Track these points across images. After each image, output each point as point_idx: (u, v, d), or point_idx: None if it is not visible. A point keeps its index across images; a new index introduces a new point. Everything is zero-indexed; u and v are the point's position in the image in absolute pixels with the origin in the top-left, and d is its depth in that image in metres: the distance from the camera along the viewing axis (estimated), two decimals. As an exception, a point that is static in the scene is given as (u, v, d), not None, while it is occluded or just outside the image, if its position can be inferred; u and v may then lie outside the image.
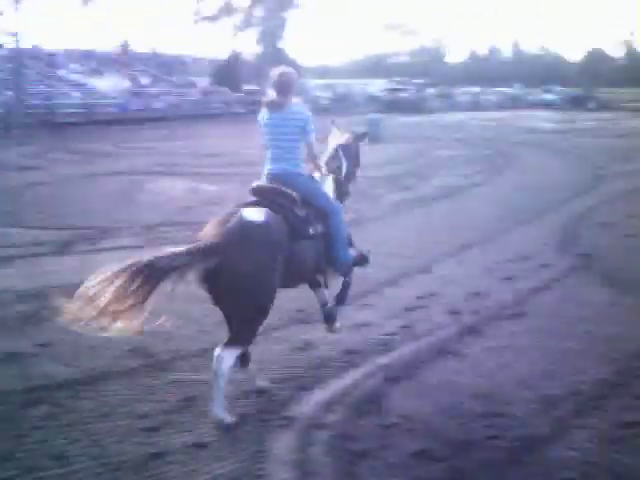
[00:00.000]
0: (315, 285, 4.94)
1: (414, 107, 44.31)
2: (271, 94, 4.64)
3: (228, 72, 49.69)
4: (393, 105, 44.55)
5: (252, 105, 40.56)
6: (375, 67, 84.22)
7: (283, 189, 4.45)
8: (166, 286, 3.64)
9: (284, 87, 4.59)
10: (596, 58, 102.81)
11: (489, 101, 53.87)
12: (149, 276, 3.61)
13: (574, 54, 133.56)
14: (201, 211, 10.07)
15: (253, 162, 16.85)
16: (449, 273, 7.31)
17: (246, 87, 47.02)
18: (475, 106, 48.46)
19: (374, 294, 6.56)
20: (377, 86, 55.41)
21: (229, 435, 3.85)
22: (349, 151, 5.30)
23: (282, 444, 3.79)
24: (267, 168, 4.66)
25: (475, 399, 4.32)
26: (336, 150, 5.17)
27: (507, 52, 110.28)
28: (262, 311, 4.08)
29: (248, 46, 56.93)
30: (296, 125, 4.56)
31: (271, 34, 51.41)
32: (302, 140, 4.62)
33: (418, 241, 8.89)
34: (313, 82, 60.78)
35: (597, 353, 5.03)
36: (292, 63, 56.44)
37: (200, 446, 3.74)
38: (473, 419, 4.06)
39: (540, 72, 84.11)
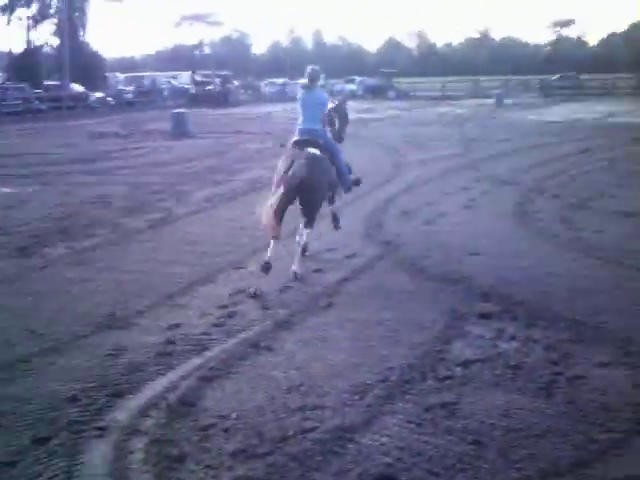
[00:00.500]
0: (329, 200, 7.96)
1: (220, 100, 44.28)
2: (305, 81, 7.45)
3: (25, 66, 46.49)
4: (200, 98, 44.28)
5: (55, 102, 38.29)
6: (181, 59, 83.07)
7: (313, 139, 7.18)
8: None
9: (313, 77, 7.38)
10: (392, 48, 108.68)
11: (295, 92, 54.89)
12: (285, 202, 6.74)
13: (372, 44, 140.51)
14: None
15: (57, 161, 16.16)
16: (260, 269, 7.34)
17: (47, 82, 44.22)
18: (282, 97, 49.30)
19: (186, 294, 6.47)
20: (184, 79, 54.71)
21: (41, 449, 3.65)
22: (339, 111, 8.12)
23: (97, 455, 3.63)
24: (300, 127, 7.32)
25: (290, 393, 4.38)
26: (330, 113, 7.73)
27: (309, 43, 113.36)
28: (322, 204, 7.42)
29: (47, 38, 53.50)
30: (319, 102, 7.40)
31: (71, 25, 48.62)
32: (321, 110, 7.37)
33: (230, 237, 8.85)
34: (118, 75, 58.67)
35: (403, 339, 5.26)
36: (94, 55, 54.03)
37: (8, 464, 3.52)
38: (289, 413, 4.10)
39: (341, 62, 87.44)
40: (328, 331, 5.48)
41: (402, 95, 52.45)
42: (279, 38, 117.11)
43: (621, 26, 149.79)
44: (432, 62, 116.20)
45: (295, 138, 7.35)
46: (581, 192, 11.29)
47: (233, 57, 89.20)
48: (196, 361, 4.88)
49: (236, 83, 53.45)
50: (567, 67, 78.85)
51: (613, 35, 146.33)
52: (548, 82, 56.70)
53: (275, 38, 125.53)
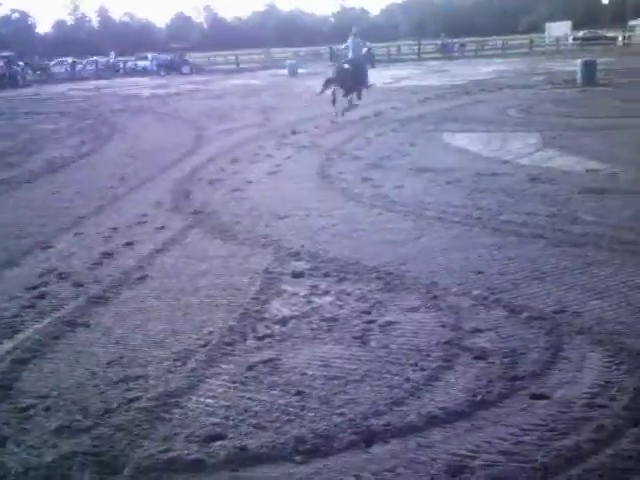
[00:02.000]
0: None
1: (7, 82, 41.20)
2: (352, 34, 17.73)
3: None
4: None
5: None
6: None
7: (351, 61, 17.15)
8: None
9: (355, 32, 17.70)
10: (182, 23, 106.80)
11: (87, 71, 52.56)
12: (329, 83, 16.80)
13: (161, 20, 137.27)
14: None
15: None
16: (68, 246, 7.08)
17: None
18: (72, 76, 46.68)
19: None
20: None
21: None
22: (370, 52, 19.75)
23: None
24: (348, 58, 17.46)
25: (111, 366, 4.29)
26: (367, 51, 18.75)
27: (94, 20, 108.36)
28: (352, 89, 17.19)
29: None
30: (359, 45, 17.99)
31: None
32: (360, 48, 18.07)
33: (32, 218, 8.41)
34: None
35: (221, 304, 5.28)
36: None
37: None
38: (111, 386, 4.03)
39: (130, 39, 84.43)
40: (145, 302, 5.39)
41: (197, 70, 51.81)
42: (63, 16, 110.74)
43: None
44: (223, 36, 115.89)
45: (343, 61, 17.45)
46: (377, 153, 11.80)
47: (16, 37, 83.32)
48: (8, 345, 4.66)
49: (22, 64, 49.88)
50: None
51: (393, 4, 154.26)
52: (337, 50, 58.65)
53: (58, 17, 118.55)
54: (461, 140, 12.63)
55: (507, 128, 13.80)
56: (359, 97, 17.89)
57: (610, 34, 59.09)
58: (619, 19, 70.44)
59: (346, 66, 16.97)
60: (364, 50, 18.41)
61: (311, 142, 13.44)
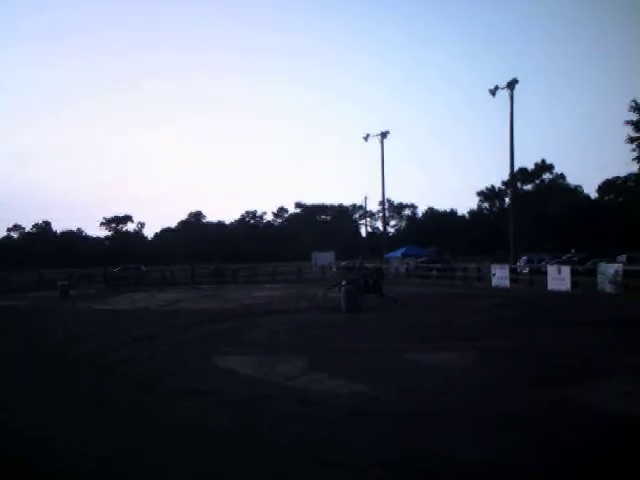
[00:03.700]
0: None
1: None
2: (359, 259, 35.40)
3: None
4: None
5: None
6: None
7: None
8: None
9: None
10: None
11: None
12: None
13: None
14: None
15: None
16: None
17: None
18: None
19: None
20: None
21: None
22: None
23: None
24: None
25: None
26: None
27: None
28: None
29: None
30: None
31: None
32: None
33: None
34: None
35: None
36: None
37: None
38: None
39: None
40: None
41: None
42: None
43: (173, 222, 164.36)
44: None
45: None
46: (149, 375, 11.65)
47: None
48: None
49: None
50: (129, 258, 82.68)
51: (167, 230, 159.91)
52: (111, 273, 58.72)
53: None
54: (233, 363, 12.83)
55: (278, 351, 14.29)
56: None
57: (369, 265, 65.34)
58: (377, 251, 78.64)
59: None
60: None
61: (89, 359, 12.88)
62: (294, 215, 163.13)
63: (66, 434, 8.02)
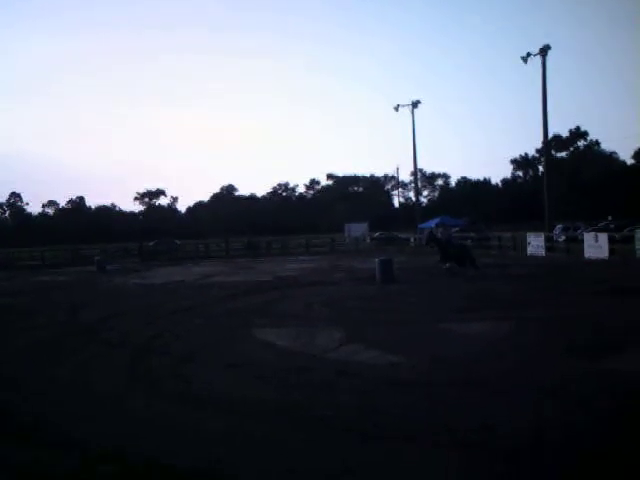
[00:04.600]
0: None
1: None
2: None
3: None
4: None
5: None
6: None
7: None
8: None
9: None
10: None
11: None
12: None
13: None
14: None
15: None
16: None
17: None
18: None
19: None
20: None
21: None
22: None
23: None
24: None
25: None
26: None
27: None
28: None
29: None
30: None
31: None
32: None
33: None
34: None
35: None
36: None
37: None
38: None
39: None
40: None
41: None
42: None
43: (206, 196, 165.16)
44: (28, 232, 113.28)
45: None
46: (191, 346, 11.85)
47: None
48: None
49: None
50: (163, 233, 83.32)
51: (200, 204, 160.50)
52: (146, 247, 59.35)
53: None
54: (270, 335, 12.94)
55: (313, 323, 14.39)
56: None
57: (402, 235, 65.29)
58: (410, 222, 78.22)
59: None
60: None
61: (120, 338, 13.12)
62: (326, 187, 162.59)
63: (109, 407, 8.21)
